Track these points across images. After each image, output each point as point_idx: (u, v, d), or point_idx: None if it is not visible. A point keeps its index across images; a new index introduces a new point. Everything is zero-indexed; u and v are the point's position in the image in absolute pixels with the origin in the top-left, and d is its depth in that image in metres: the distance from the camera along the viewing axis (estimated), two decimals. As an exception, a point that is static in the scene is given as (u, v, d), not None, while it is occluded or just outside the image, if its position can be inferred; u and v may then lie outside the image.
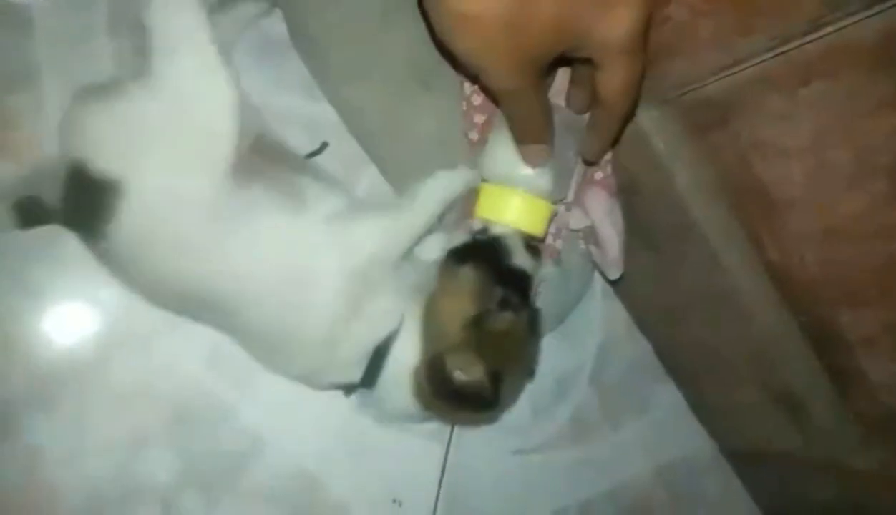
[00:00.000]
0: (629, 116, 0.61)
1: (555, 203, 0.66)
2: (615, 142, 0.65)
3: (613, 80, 0.55)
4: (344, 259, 0.62)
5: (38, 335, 0.68)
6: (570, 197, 0.71)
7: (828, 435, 0.74)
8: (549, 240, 0.72)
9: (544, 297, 0.72)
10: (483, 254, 0.64)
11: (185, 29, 0.58)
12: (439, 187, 0.66)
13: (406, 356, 0.63)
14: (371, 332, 0.64)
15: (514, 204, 0.64)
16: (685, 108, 0.66)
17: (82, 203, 0.58)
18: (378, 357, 0.64)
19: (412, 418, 0.67)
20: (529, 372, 0.70)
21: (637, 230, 0.74)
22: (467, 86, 0.70)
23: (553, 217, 0.67)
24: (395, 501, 0.80)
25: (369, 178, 0.77)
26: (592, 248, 0.74)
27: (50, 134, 0.62)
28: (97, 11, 0.69)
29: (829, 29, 0.51)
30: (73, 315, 0.69)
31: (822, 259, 0.63)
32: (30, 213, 0.61)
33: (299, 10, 0.70)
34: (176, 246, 0.58)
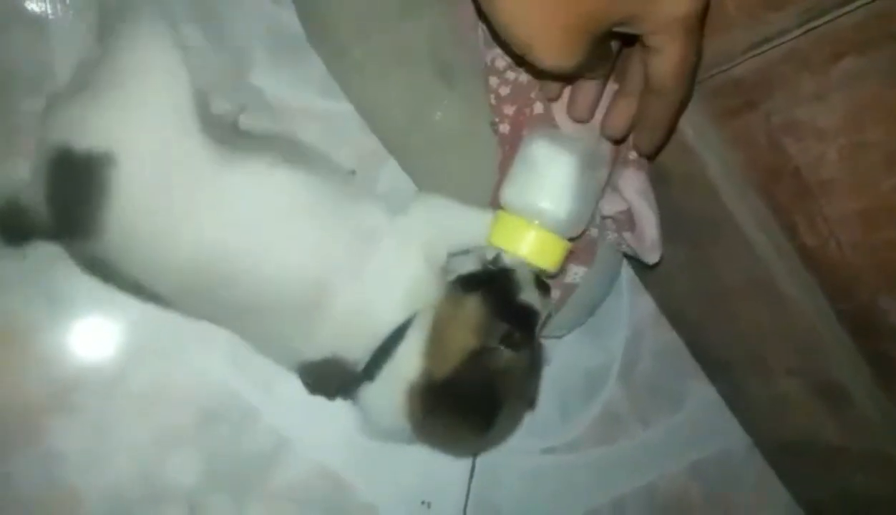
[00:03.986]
0: (686, 102, 0.59)
1: (571, 240, 0.65)
2: (671, 133, 0.62)
3: (671, 61, 0.52)
4: (399, 230, 0.63)
5: (60, 340, 0.68)
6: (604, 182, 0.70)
7: (870, 425, 0.72)
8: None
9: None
10: (492, 285, 0.63)
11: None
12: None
13: (408, 363, 0.61)
14: (392, 310, 0.62)
15: (530, 238, 0.62)
16: (713, 91, 0.65)
17: (72, 192, 0.56)
18: (385, 349, 0.62)
19: (398, 434, 0.65)
20: (529, 403, 0.69)
21: (667, 220, 0.72)
22: (493, 79, 0.69)
23: (568, 255, 0.66)
24: (423, 503, 0.79)
25: (389, 175, 0.76)
26: (627, 235, 0.73)
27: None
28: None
29: (863, 0, 0.49)
30: (95, 320, 0.69)
31: (859, 242, 0.61)
32: (11, 224, 0.59)
33: (315, 5, 0.69)
34: (179, 213, 0.56)
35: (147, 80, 0.57)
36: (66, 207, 0.57)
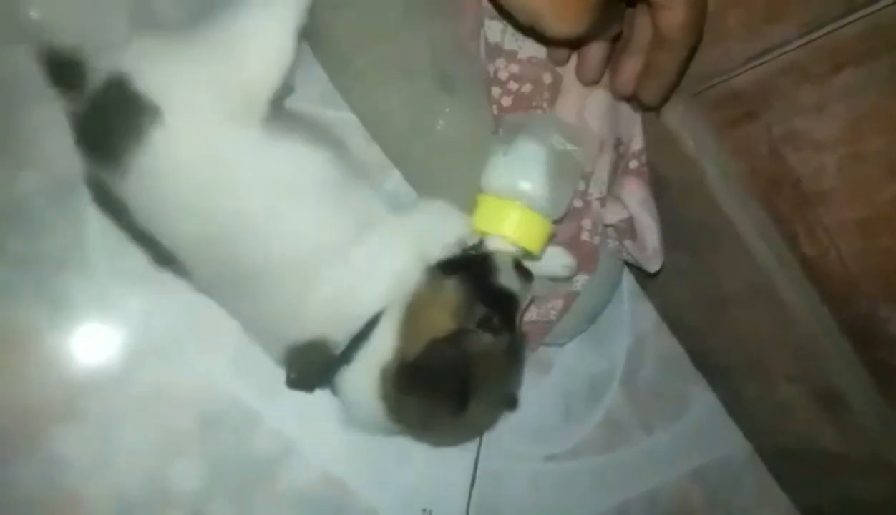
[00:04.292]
0: (693, 54, 0.59)
1: (554, 222, 0.66)
2: (676, 86, 0.62)
3: (680, 15, 0.52)
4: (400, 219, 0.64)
5: (63, 345, 0.68)
6: (605, 191, 0.70)
7: (869, 432, 0.72)
8: (587, 236, 0.71)
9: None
10: (471, 270, 0.63)
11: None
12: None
13: (382, 344, 0.61)
14: (376, 298, 0.62)
15: (514, 217, 0.63)
16: (713, 102, 0.65)
17: (111, 116, 0.57)
18: (363, 333, 0.62)
19: (376, 422, 0.64)
20: (510, 400, 0.68)
21: (668, 229, 0.72)
22: (495, 89, 0.69)
23: (552, 238, 0.66)
24: (425, 510, 0.79)
25: (392, 185, 0.76)
26: (628, 243, 0.73)
27: (72, 149, 0.61)
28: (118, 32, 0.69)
29: (863, 12, 0.50)
30: (99, 325, 0.69)
31: (859, 251, 0.62)
32: (62, 69, 0.59)
33: (317, 15, 0.70)
34: (204, 179, 0.57)
35: (251, 59, 0.58)
36: (102, 132, 0.57)
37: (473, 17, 0.70)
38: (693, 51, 0.58)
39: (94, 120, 0.58)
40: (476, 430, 0.72)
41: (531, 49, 0.69)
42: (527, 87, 0.69)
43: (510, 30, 0.69)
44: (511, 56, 0.69)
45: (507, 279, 0.63)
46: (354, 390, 0.63)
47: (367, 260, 0.62)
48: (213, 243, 0.59)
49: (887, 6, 0.48)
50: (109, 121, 0.57)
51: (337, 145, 0.66)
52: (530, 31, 0.53)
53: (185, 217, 0.58)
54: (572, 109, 0.70)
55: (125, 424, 0.69)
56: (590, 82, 0.67)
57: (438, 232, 0.66)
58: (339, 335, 0.62)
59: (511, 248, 0.64)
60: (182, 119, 0.56)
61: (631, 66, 0.62)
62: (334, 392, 0.65)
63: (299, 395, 0.68)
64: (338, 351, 0.62)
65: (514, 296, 0.63)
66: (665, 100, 0.65)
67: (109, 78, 0.56)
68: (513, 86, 0.69)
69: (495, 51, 0.69)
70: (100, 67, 0.57)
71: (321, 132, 0.65)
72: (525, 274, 0.64)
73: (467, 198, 0.67)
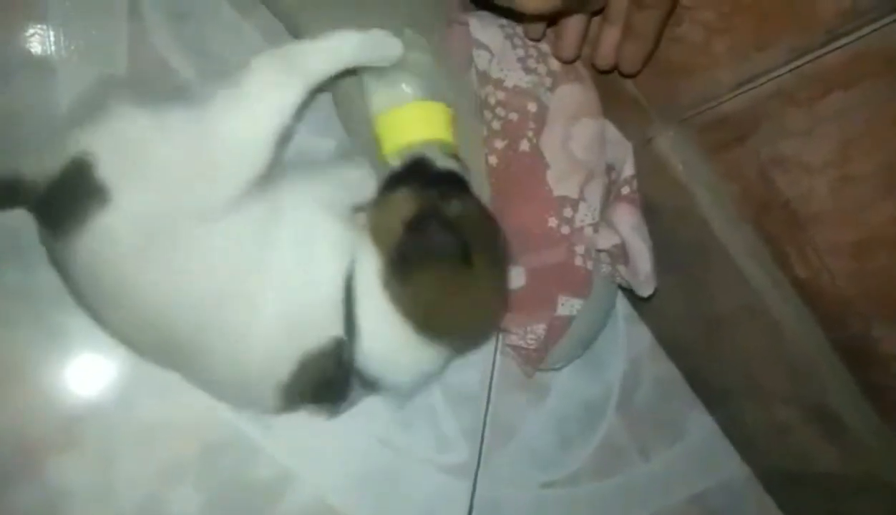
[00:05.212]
0: (670, 13, 0.60)
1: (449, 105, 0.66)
2: (654, 50, 0.63)
3: None
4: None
5: (62, 375, 0.67)
6: (597, 217, 0.71)
7: (866, 452, 0.72)
8: (580, 262, 0.71)
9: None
10: (409, 174, 0.63)
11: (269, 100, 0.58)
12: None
13: (368, 273, 0.60)
14: (332, 273, 0.61)
15: (411, 113, 0.64)
16: (703, 127, 0.66)
17: (64, 197, 0.56)
18: (349, 293, 0.60)
19: (414, 359, 0.63)
20: (502, 255, 0.66)
21: (661, 252, 0.73)
22: (486, 113, 0.71)
23: (453, 120, 0.66)
24: (424, 540, 0.78)
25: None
26: (621, 268, 0.74)
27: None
28: (118, 62, 0.70)
29: (848, 39, 0.51)
30: (97, 354, 0.68)
31: (850, 272, 0.63)
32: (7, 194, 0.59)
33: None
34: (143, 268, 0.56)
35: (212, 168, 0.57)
36: (55, 202, 0.57)
37: (466, 50, 0.72)
38: (672, 10, 0.59)
39: (48, 193, 0.57)
40: (494, 296, 0.67)
41: (515, 77, 0.70)
42: (513, 116, 0.70)
43: (496, 59, 0.70)
44: (498, 84, 0.71)
45: (444, 162, 0.63)
46: (376, 337, 0.61)
47: (300, 253, 0.60)
48: (154, 328, 0.58)
49: (867, 35, 0.50)
50: (61, 197, 0.56)
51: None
52: (508, 11, 0.54)
53: (120, 303, 0.58)
54: (558, 139, 0.71)
55: (124, 454, 0.68)
56: (567, 59, 0.68)
57: (349, 188, 0.66)
58: (331, 328, 0.61)
59: (429, 144, 0.64)
60: (129, 209, 0.55)
61: (611, 37, 0.64)
62: (366, 380, 0.63)
63: (296, 424, 0.67)
64: (339, 336, 0.61)
65: (458, 173, 0.63)
66: (645, 64, 0.65)
67: (72, 159, 0.56)
68: (501, 112, 0.70)
69: (484, 78, 0.71)
70: (52, 162, 0.56)
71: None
72: (456, 157, 0.64)
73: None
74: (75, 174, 0.55)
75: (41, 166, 0.57)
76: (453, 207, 0.61)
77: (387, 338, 0.61)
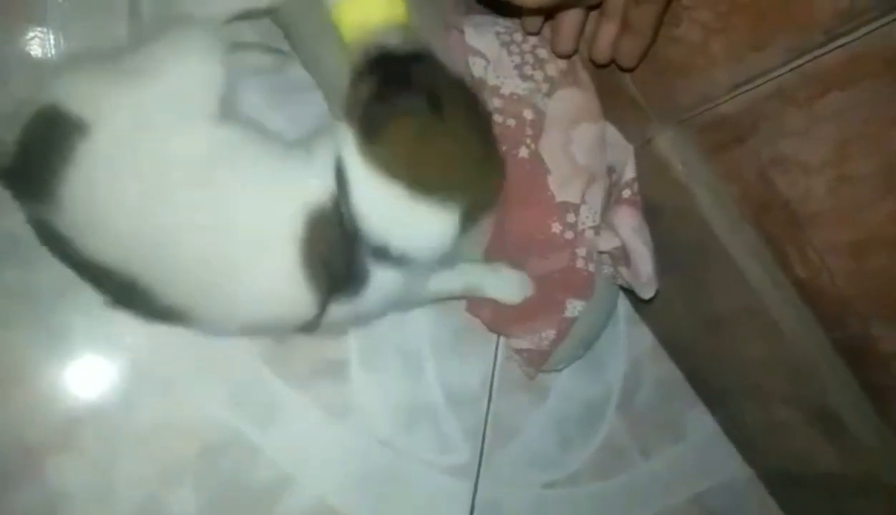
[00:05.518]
0: (667, 7, 0.60)
1: None
2: (652, 44, 0.63)
3: None
4: None
5: (61, 376, 0.68)
6: (598, 220, 0.71)
7: (867, 453, 0.72)
8: (581, 264, 0.72)
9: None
10: (372, 68, 0.62)
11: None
12: None
13: (351, 155, 0.60)
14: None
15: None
16: (702, 128, 0.66)
17: (38, 148, 0.57)
18: (340, 178, 0.61)
19: (413, 223, 0.62)
20: (479, 113, 0.65)
21: (663, 253, 0.73)
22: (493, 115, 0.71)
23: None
24: (424, 541, 0.79)
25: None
26: (623, 270, 0.74)
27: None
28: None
29: (846, 39, 0.51)
30: (96, 357, 0.69)
31: (850, 272, 0.62)
32: None
33: (304, 41, 0.71)
34: (142, 185, 0.57)
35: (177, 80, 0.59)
36: (32, 163, 0.57)
37: (458, 56, 0.72)
38: (668, 2, 0.59)
39: (21, 159, 0.57)
40: (479, 147, 0.65)
41: (512, 84, 0.70)
42: (511, 122, 0.70)
43: (492, 66, 0.71)
44: (494, 91, 0.71)
45: (406, 45, 0.63)
46: (370, 204, 0.61)
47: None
48: (164, 246, 0.58)
49: (865, 35, 0.49)
50: (36, 154, 0.57)
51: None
52: (508, 7, 0.55)
53: (126, 227, 0.57)
54: (557, 143, 0.71)
55: (124, 455, 0.69)
56: (564, 53, 0.68)
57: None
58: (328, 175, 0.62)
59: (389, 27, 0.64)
60: (111, 128, 0.56)
61: (608, 32, 0.64)
62: (377, 250, 0.62)
63: (296, 425, 0.68)
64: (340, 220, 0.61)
65: (422, 52, 0.63)
66: (642, 58, 0.65)
67: (35, 115, 0.57)
68: (498, 118, 0.70)
69: (480, 85, 0.71)
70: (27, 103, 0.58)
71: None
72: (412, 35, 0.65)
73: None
74: (46, 123, 0.56)
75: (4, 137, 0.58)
76: (414, 72, 0.61)
77: (379, 202, 0.61)
